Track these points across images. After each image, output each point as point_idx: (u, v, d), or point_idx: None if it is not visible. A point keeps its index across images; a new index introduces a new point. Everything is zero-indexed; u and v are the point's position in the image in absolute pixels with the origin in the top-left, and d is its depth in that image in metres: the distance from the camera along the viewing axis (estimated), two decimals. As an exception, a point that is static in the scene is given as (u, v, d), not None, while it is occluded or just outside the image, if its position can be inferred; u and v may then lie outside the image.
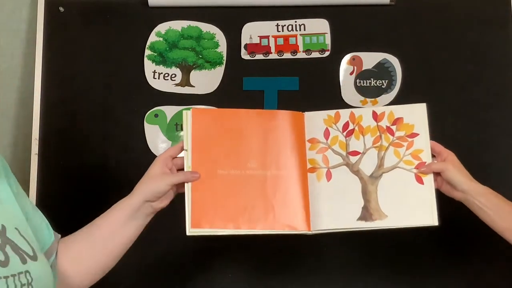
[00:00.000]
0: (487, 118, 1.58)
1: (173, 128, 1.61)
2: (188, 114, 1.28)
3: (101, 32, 1.65)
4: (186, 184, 1.24)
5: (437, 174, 1.27)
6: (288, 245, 1.51)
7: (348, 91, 1.61)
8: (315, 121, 1.32)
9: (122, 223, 1.20)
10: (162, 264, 1.56)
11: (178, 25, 1.65)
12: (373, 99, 1.61)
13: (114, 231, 1.20)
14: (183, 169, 1.25)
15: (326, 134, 1.32)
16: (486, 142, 1.57)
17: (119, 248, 1.22)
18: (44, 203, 1.58)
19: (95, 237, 1.20)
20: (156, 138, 1.61)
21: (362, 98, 1.61)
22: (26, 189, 1.59)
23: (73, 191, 1.60)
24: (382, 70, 1.62)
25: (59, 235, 1.20)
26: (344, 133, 1.31)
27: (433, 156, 1.29)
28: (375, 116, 1.31)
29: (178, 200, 1.25)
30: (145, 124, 1.62)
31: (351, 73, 1.62)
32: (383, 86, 1.61)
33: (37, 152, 1.60)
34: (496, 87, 1.59)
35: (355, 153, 1.30)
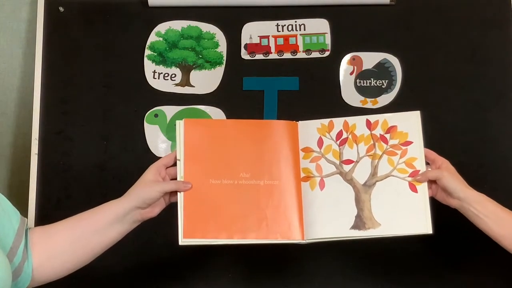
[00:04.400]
0: (487, 118, 1.58)
1: (173, 128, 1.61)
2: (180, 124, 1.29)
3: (101, 32, 1.65)
4: (178, 194, 1.25)
5: (432, 182, 1.28)
6: (288, 248, 1.50)
7: (348, 91, 1.61)
8: (309, 130, 1.33)
9: (108, 225, 1.20)
10: (161, 265, 1.56)
11: (178, 25, 1.65)
12: (373, 99, 1.61)
13: (97, 230, 1.20)
14: (176, 179, 1.26)
15: (320, 143, 1.32)
16: (486, 142, 1.57)
17: (99, 247, 1.22)
18: (44, 203, 1.58)
19: (77, 232, 1.20)
20: (156, 138, 1.61)
21: (362, 98, 1.61)
22: (26, 189, 1.59)
23: (73, 191, 1.59)
24: (382, 70, 1.61)
25: (25, 219, 1.20)
26: (338, 142, 1.32)
27: (427, 163, 1.29)
28: (368, 124, 1.32)
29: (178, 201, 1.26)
30: (145, 124, 1.62)
31: (351, 73, 1.62)
32: (383, 86, 1.61)
33: (37, 152, 1.60)
34: (496, 87, 1.59)
35: (348, 161, 1.31)
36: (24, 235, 1.17)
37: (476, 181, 1.29)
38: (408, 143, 1.29)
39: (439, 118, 1.56)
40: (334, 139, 1.32)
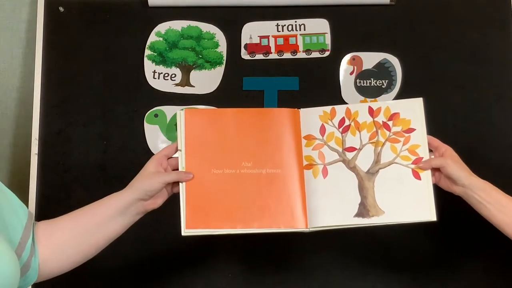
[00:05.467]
0: (487, 118, 1.58)
1: (173, 128, 1.61)
2: (181, 115, 1.28)
3: (101, 32, 1.65)
4: (180, 184, 1.24)
5: (435, 169, 1.27)
6: (288, 244, 1.51)
7: (348, 91, 1.61)
8: (311, 117, 1.32)
9: (110, 218, 1.20)
10: (161, 264, 1.56)
11: (178, 25, 1.65)
12: (373, 99, 1.61)
13: (100, 224, 1.20)
14: (178, 169, 1.26)
15: (322, 130, 1.32)
16: (486, 142, 1.57)
17: (103, 240, 1.22)
18: (44, 203, 1.58)
19: (80, 226, 1.20)
20: (156, 138, 1.61)
21: (362, 98, 1.61)
22: (26, 189, 1.59)
23: (73, 191, 1.59)
24: (382, 70, 1.62)
25: (33, 213, 1.20)
26: (340, 129, 1.31)
27: (430, 150, 1.28)
28: (371, 111, 1.31)
29: (178, 198, 1.26)
30: (145, 124, 1.62)
31: (351, 73, 1.62)
32: (383, 86, 1.61)
33: (37, 152, 1.60)
34: (496, 87, 1.59)
35: (351, 149, 1.30)
36: (31, 230, 1.17)
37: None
38: (411, 130, 1.29)
39: (439, 118, 1.56)
40: (337, 126, 1.31)
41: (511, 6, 1.61)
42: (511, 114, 1.58)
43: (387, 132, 1.30)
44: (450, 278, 1.54)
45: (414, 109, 1.30)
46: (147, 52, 1.64)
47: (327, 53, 1.63)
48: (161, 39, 1.65)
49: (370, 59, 1.62)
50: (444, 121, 1.57)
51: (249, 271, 1.56)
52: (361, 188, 1.27)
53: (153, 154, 1.58)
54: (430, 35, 1.62)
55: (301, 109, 1.33)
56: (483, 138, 1.57)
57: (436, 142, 1.29)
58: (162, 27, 1.65)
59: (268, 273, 1.56)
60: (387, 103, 1.32)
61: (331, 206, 1.27)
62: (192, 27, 1.65)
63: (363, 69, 1.62)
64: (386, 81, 1.61)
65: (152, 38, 1.65)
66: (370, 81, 1.62)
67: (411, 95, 1.58)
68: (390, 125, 1.30)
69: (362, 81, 1.62)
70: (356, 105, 1.34)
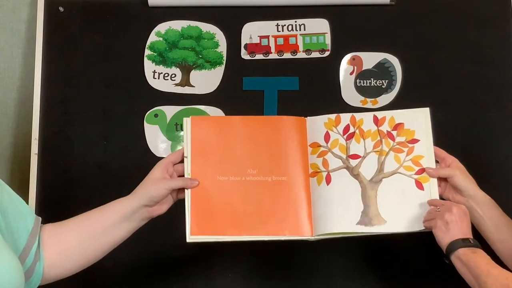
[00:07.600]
0: (487, 118, 1.58)
1: (173, 128, 1.61)
2: (187, 122, 1.29)
3: (101, 32, 1.65)
4: (186, 191, 1.24)
5: (441, 180, 1.27)
6: (288, 246, 1.50)
7: (348, 91, 1.61)
8: (316, 125, 1.32)
9: (116, 223, 1.20)
10: (162, 264, 1.56)
11: (178, 25, 1.65)
12: (373, 99, 1.61)
13: (106, 229, 1.20)
14: (183, 176, 1.26)
15: (327, 137, 1.31)
16: (486, 142, 1.57)
17: (108, 245, 1.22)
18: (44, 203, 1.58)
19: (86, 231, 1.20)
20: (156, 138, 1.61)
21: (362, 98, 1.61)
22: (26, 189, 1.59)
23: (73, 191, 1.59)
24: (382, 70, 1.61)
25: (40, 218, 1.19)
26: (345, 136, 1.31)
27: (436, 161, 1.28)
28: (375, 120, 1.31)
29: (181, 200, 1.26)
30: (145, 124, 1.62)
31: (351, 73, 1.62)
32: (383, 86, 1.61)
33: (37, 152, 1.60)
34: (496, 87, 1.59)
35: (355, 156, 1.30)
36: (37, 235, 1.17)
37: (476, 181, 1.29)
38: (415, 141, 1.29)
39: (439, 118, 1.55)
40: (341, 133, 1.31)
41: (511, 6, 1.61)
42: (511, 114, 1.58)
43: (391, 142, 1.29)
44: (450, 281, 1.54)
45: (419, 120, 1.29)
46: (147, 52, 1.64)
47: (327, 53, 1.63)
48: (161, 39, 1.65)
49: (370, 59, 1.62)
50: (444, 121, 1.57)
51: (249, 272, 1.56)
52: (364, 197, 1.27)
53: (153, 154, 1.59)
54: (430, 35, 1.62)
55: (308, 117, 1.33)
56: (483, 138, 1.57)
57: (443, 153, 1.29)
58: (162, 27, 1.65)
59: (268, 274, 1.56)
60: (392, 112, 1.32)
61: (334, 213, 1.26)
62: (192, 27, 1.65)
63: (363, 69, 1.62)
64: (386, 81, 1.61)
65: (152, 38, 1.65)
66: (370, 81, 1.62)
67: (411, 95, 1.59)
68: (394, 135, 1.30)
69: (362, 81, 1.62)
70: (361, 113, 1.33)
